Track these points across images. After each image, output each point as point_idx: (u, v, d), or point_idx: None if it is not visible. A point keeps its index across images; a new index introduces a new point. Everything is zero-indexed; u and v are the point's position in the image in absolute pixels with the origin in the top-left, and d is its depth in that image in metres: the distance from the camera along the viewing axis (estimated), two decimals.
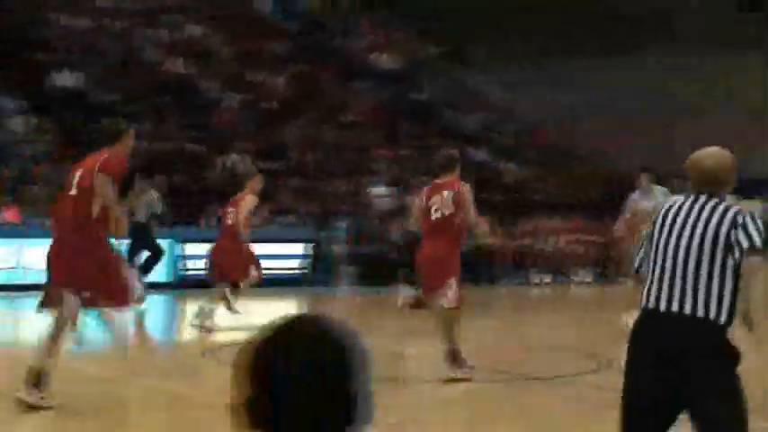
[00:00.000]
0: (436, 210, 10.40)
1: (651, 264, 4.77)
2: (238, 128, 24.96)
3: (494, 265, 22.18)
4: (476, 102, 29.21)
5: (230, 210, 14.19)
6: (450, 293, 10.15)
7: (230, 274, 14.13)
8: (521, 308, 19.79)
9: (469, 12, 31.00)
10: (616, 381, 4.95)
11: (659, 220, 4.78)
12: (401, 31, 31.32)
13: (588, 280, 22.95)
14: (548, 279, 22.56)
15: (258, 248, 14.77)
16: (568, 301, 21.30)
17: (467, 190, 10.37)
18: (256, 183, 14.25)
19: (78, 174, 8.64)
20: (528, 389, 10.24)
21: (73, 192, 8.61)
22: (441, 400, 9.62)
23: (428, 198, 10.53)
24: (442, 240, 10.29)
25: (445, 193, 10.38)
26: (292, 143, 25.17)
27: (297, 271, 21.44)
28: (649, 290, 4.71)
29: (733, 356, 4.48)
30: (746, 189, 22.07)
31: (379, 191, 23.06)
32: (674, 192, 12.45)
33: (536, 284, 22.30)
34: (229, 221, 14.06)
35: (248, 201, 13.99)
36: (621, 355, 4.77)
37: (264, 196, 16.17)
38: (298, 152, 24.91)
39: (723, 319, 4.50)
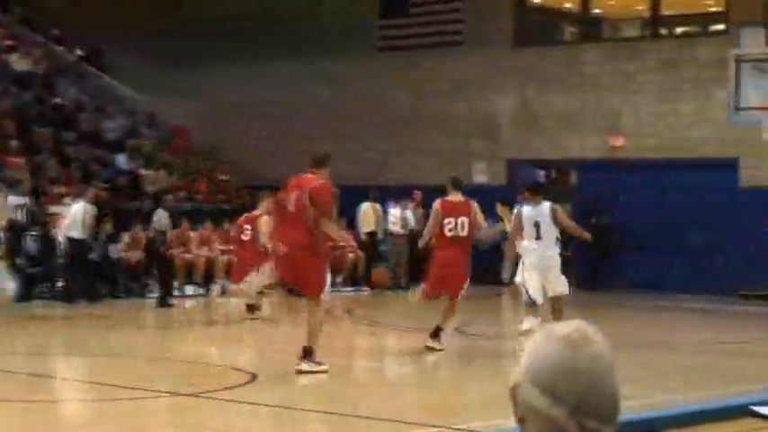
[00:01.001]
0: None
1: None
2: None
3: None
4: (117, 106, 28.94)
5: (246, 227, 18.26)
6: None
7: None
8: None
9: (109, 15, 30.66)
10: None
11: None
12: (39, 33, 30.55)
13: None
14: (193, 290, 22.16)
15: None
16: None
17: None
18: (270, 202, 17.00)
19: (294, 195, 11.60)
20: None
21: (291, 208, 11.65)
22: None
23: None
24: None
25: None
26: None
27: None
28: None
29: None
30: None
31: (15, 200, 22.41)
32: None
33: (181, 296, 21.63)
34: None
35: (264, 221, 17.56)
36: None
37: None
38: None
39: None
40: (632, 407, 6.22)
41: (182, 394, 10.97)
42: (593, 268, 24.46)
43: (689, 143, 23.70)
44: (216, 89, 28.93)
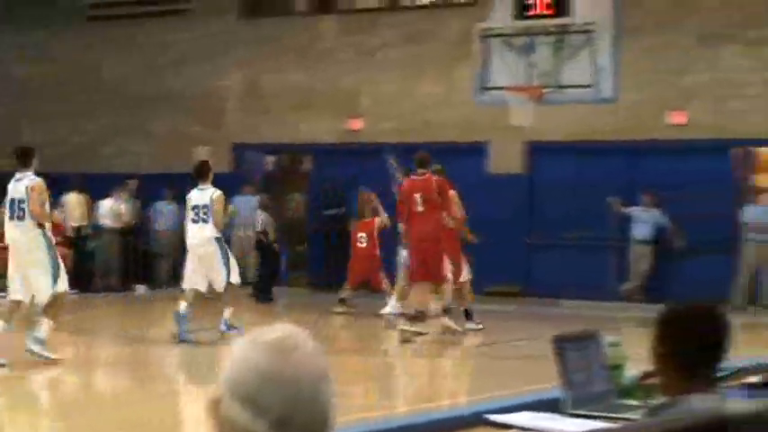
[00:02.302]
0: None
1: None
2: None
3: None
4: None
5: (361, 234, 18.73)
6: None
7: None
8: None
9: None
10: None
11: None
12: None
13: None
14: None
15: None
16: None
17: None
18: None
19: (419, 195, 14.73)
20: None
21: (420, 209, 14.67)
22: None
23: None
24: None
25: None
26: None
27: None
28: None
29: None
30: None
31: None
32: None
33: None
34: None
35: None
36: None
37: None
38: None
39: None
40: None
41: None
42: (330, 265, 22.74)
43: (432, 126, 22.25)
44: None
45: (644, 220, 20.42)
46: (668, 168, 20.60)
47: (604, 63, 20.52)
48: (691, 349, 3.54)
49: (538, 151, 21.49)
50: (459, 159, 21.50)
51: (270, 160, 24.82)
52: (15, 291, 12.17)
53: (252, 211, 22.14)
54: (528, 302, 20.43)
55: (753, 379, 5.13)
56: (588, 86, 20.48)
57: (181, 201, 22.99)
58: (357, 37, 23.11)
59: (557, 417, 4.72)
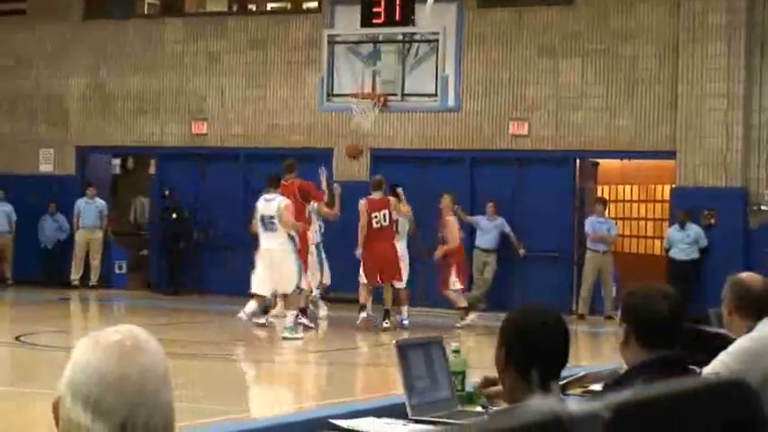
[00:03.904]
0: None
1: None
2: None
3: None
4: None
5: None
6: None
7: None
8: None
9: None
10: None
11: None
12: None
13: None
14: None
15: None
16: None
17: None
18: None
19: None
20: None
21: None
22: None
23: None
24: None
25: None
26: None
27: None
28: None
29: None
30: None
31: None
32: None
33: None
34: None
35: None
36: None
37: None
38: None
39: None
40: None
41: None
42: (172, 269, 22.45)
43: (278, 132, 22.16)
44: None
45: (488, 229, 20.62)
46: (510, 178, 20.90)
47: (448, 72, 20.72)
48: (531, 355, 3.58)
49: (382, 158, 21.57)
50: (304, 165, 21.48)
51: (115, 163, 24.42)
52: None
53: (96, 213, 21.85)
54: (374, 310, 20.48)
55: (594, 386, 5.21)
56: (432, 95, 20.65)
57: (14, 202, 22.59)
58: (204, 40, 22.88)
59: (399, 422, 4.74)
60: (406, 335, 15.17)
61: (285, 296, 16.14)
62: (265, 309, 16.53)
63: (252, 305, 15.72)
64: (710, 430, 2.19)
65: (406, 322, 17.36)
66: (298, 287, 15.77)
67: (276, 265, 15.67)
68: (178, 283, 22.24)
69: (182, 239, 22.27)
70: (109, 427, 1.94)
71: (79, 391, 1.95)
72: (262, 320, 16.38)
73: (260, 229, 15.91)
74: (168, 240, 22.51)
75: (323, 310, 17.94)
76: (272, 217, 15.75)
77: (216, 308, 20.13)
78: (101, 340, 2.00)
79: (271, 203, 15.87)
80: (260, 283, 15.87)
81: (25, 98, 23.89)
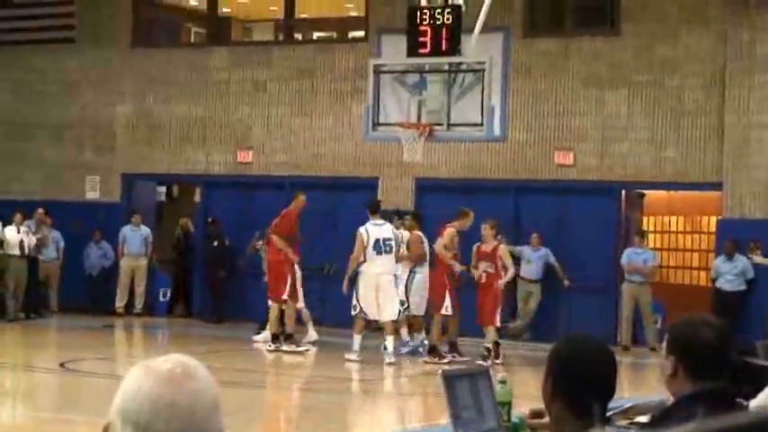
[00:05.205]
0: None
1: None
2: None
3: None
4: None
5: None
6: None
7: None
8: None
9: None
10: None
11: None
12: None
13: None
14: None
15: None
16: None
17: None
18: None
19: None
20: None
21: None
22: None
23: None
24: None
25: None
26: None
27: None
28: None
29: None
30: None
31: None
32: None
33: None
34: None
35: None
36: None
37: None
38: None
39: None
40: None
41: None
42: (216, 296, 22.56)
43: (324, 160, 22.26)
44: None
45: (532, 260, 20.59)
46: (554, 208, 20.87)
47: (494, 102, 20.74)
48: (580, 386, 3.59)
49: (427, 188, 21.61)
50: (349, 194, 21.59)
51: (160, 191, 24.59)
52: None
53: (141, 241, 21.98)
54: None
55: (641, 418, 5.19)
56: (477, 125, 20.67)
57: (65, 230, 22.63)
58: (250, 69, 23.04)
59: None
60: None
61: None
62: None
63: (357, 340, 16.27)
64: None
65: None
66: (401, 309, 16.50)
67: (383, 289, 16.19)
68: (221, 311, 22.33)
69: (222, 267, 22.35)
70: None
71: (129, 417, 1.97)
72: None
73: (371, 253, 16.26)
74: (210, 268, 22.61)
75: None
76: (388, 239, 16.34)
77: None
78: (152, 367, 2.04)
79: (383, 227, 16.55)
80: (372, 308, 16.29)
81: (72, 125, 24.13)
